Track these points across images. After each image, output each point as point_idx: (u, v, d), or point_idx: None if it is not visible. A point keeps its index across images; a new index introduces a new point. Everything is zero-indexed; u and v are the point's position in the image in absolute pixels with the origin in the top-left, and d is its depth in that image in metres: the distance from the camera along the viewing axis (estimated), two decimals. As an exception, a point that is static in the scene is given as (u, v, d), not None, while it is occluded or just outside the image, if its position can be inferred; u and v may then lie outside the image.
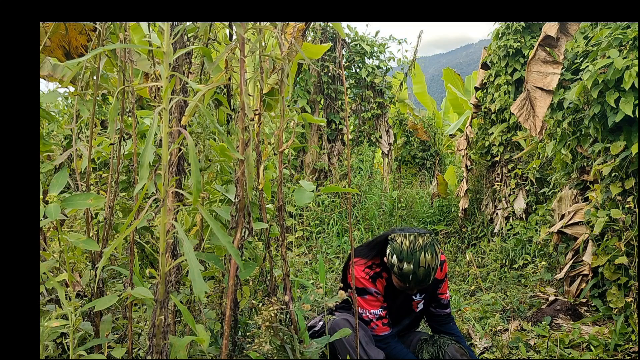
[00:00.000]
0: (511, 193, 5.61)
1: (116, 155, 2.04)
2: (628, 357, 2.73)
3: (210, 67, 2.00)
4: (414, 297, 2.50)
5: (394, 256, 2.24)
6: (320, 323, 2.37)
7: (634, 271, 2.97)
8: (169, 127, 1.55)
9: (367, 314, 2.38)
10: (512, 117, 5.42)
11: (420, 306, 2.54)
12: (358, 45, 8.19)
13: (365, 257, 2.44)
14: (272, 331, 1.86)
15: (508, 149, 5.65)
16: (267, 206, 2.13)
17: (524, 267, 4.50)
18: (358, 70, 8.29)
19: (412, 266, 2.19)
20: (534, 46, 4.25)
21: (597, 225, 3.16)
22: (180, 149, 1.80)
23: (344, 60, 8.17)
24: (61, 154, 2.31)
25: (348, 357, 2.24)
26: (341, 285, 2.41)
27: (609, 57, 2.97)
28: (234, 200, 1.87)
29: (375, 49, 8.27)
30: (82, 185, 2.17)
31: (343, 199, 6.18)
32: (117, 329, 2.13)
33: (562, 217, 3.90)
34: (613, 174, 3.14)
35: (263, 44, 1.93)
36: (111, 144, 2.06)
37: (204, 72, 2.14)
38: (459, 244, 5.80)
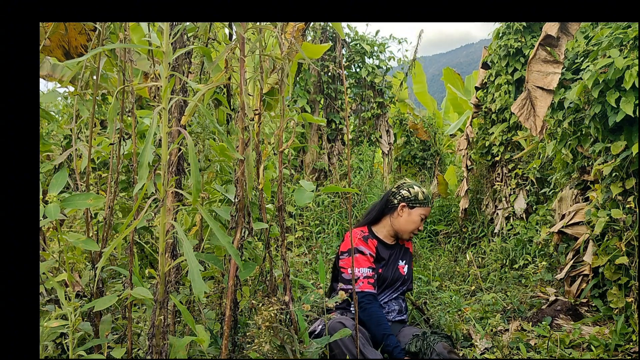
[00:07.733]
0: (511, 193, 5.60)
1: (116, 155, 2.03)
2: (628, 357, 2.72)
3: (210, 67, 2.00)
4: (399, 262, 2.87)
5: (410, 191, 2.83)
6: (320, 328, 2.40)
7: (635, 271, 2.97)
8: (168, 127, 1.55)
9: (356, 271, 2.58)
10: (512, 116, 5.41)
11: (406, 269, 2.87)
12: (358, 45, 8.17)
13: (359, 226, 2.87)
14: (272, 331, 1.86)
15: (508, 148, 5.64)
16: (267, 206, 2.12)
17: (524, 267, 4.49)
18: (358, 69, 8.27)
19: (424, 192, 2.83)
20: (534, 46, 4.24)
21: (597, 225, 3.16)
22: (179, 149, 1.80)
23: (344, 59, 8.16)
24: (61, 154, 2.31)
25: (347, 357, 2.24)
26: (330, 276, 2.75)
27: (609, 56, 2.97)
28: (233, 200, 1.86)
29: (376, 48, 8.25)
30: (81, 185, 2.17)
31: (343, 199, 6.16)
32: (117, 329, 2.13)
33: (563, 217, 3.90)
34: (614, 174, 3.13)
35: (263, 43, 1.93)
36: (111, 144, 2.06)
37: (203, 72, 2.13)
38: (460, 244, 5.78)
